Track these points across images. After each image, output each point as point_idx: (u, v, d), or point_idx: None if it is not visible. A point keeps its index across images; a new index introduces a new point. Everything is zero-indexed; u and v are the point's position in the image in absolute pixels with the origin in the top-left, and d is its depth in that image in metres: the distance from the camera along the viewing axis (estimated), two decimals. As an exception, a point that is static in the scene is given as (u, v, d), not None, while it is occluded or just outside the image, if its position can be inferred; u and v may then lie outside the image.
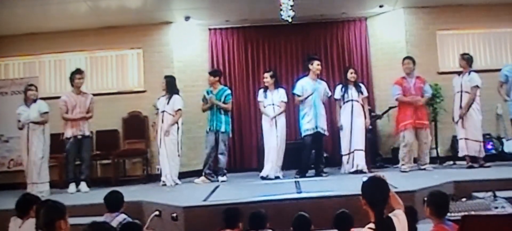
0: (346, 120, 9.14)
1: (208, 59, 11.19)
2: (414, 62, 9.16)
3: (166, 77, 9.33)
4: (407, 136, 8.93)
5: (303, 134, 9.19)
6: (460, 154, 9.05)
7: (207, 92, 9.46)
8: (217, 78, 9.57)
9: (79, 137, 8.89)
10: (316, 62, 9.25)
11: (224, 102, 9.36)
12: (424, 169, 8.84)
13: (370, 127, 9.64)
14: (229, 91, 9.59)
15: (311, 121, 9.09)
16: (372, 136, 10.09)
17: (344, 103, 9.21)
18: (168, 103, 9.07)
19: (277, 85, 9.37)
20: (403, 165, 8.94)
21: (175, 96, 9.15)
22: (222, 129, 9.27)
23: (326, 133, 9.35)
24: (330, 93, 9.48)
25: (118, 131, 10.47)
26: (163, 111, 9.06)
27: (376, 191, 3.55)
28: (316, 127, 9.11)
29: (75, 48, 10.72)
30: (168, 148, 8.96)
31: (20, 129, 8.61)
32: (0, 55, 10.74)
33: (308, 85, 9.16)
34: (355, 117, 9.08)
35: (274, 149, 9.09)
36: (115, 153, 10.08)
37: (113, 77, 10.95)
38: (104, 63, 10.96)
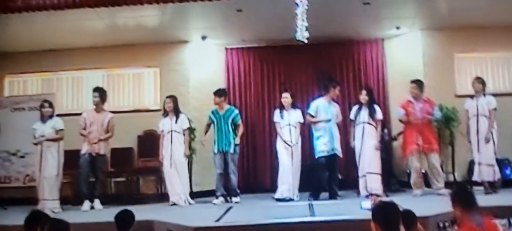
0: (357, 143, 9.05)
1: (224, 78, 11.21)
2: (420, 86, 9.05)
3: (172, 97, 9.26)
4: (414, 161, 8.87)
5: (317, 155, 9.11)
6: (474, 179, 8.88)
7: (213, 113, 9.39)
8: (222, 98, 9.44)
9: (94, 154, 8.92)
10: (338, 88, 9.27)
11: (234, 123, 9.30)
12: (439, 194, 8.67)
13: (378, 150, 9.41)
14: (237, 111, 9.53)
15: (327, 142, 9.02)
16: (387, 159, 9.97)
17: (356, 125, 9.12)
18: (176, 122, 9.05)
19: (293, 105, 9.32)
20: (414, 190, 8.85)
21: (182, 115, 9.15)
22: (231, 150, 9.19)
23: (340, 155, 9.26)
24: (340, 118, 9.41)
25: (133, 148, 10.48)
26: (170, 131, 9.03)
27: (388, 215, 3.49)
28: (333, 149, 9.04)
29: (93, 66, 10.82)
30: (180, 168, 8.93)
31: (35, 144, 8.68)
32: (19, 71, 10.88)
33: (323, 107, 9.11)
34: (366, 140, 8.96)
35: (290, 171, 9.02)
36: (129, 170, 10.11)
37: (130, 95, 11.02)
38: (121, 81, 11.04)
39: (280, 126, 9.21)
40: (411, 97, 9.06)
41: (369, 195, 8.61)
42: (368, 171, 8.90)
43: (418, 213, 6.23)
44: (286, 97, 9.26)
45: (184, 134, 9.14)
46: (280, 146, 9.20)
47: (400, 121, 9.18)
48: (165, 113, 9.17)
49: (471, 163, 9.64)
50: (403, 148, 9.21)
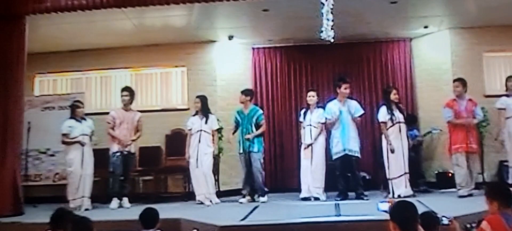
0: (396, 142, 8.87)
1: (251, 77, 11.27)
2: (464, 84, 8.89)
3: (200, 97, 9.28)
4: (460, 160, 8.63)
5: (333, 157, 9.07)
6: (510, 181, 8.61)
7: (238, 113, 9.39)
8: (249, 97, 9.43)
9: (125, 152, 9.03)
10: (344, 86, 9.12)
11: (257, 123, 9.27)
12: (471, 195, 8.50)
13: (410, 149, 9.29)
14: (261, 111, 9.50)
15: (339, 143, 8.95)
16: (416, 159, 9.88)
17: (392, 125, 8.94)
18: (206, 122, 9.09)
19: (318, 105, 9.31)
20: (460, 189, 8.61)
21: (211, 116, 9.17)
22: (255, 149, 9.15)
23: (357, 155, 9.09)
24: (361, 112, 9.23)
25: (161, 147, 10.57)
26: (199, 131, 9.08)
27: (405, 215, 3.50)
28: (344, 150, 8.96)
29: (121, 65, 10.95)
30: (206, 167, 8.97)
31: (65, 143, 8.82)
32: (48, 71, 11.06)
33: (336, 107, 9.04)
34: (403, 139, 8.86)
35: (308, 170, 9.02)
36: (157, 169, 10.20)
37: (158, 94, 11.12)
38: (148, 80, 11.15)
39: (303, 125, 9.21)
40: (455, 96, 8.92)
41: (386, 196, 8.57)
42: (406, 171, 8.79)
43: (443, 213, 6.21)
44: (312, 96, 9.23)
45: (213, 134, 9.18)
46: (302, 146, 9.22)
47: (449, 122, 8.98)
48: (195, 112, 9.22)
49: (501, 164, 9.56)
50: (449, 146, 9.02)
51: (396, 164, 8.81)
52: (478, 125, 9.35)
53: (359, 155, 9.10)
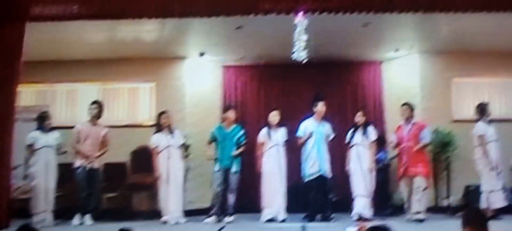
0: (352, 164, 8.97)
1: (220, 96, 11.16)
2: (412, 109, 8.96)
3: (164, 112, 9.16)
4: (403, 186, 8.79)
5: (306, 178, 8.99)
6: (488, 206, 8.57)
7: (218, 129, 9.29)
8: (230, 114, 9.38)
9: (88, 168, 8.81)
10: (320, 104, 9.11)
11: (238, 144, 9.18)
12: (417, 220, 8.47)
13: (371, 173, 9.27)
14: (243, 131, 9.40)
15: (315, 164, 8.91)
16: (383, 181, 9.88)
17: (350, 147, 9.04)
18: (172, 137, 8.95)
19: (280, 123, 9.23)
20: (407, 214, 8.74)
21: (177, 131, 9.07)
22: (233, 169, 9.08)
23: (330, 176, 9.08)
24: (333, 135, 9.25)
25: (126, 163, 10.37)
26: (167, 147, 8.91)
27: None
28: (320, 170, 8.91)
29: (88, 79, 10.73)
30: (176, 184, 8.81)
31: (28, 156, 8.56)
32: (12, 81, 10.74)
33: (311, 126, 9.01)
34: (360, 161, 8.88)
35: (278, 191, 8.94)
36: (122, 186, 10.01)
37: (125, 110, 10.93)
38: (116, 95, 10.97)
39: (267, 145, 9.10)
40: (403, 121, 8.96)
41: (358, 220, 8.50)
42: (359, 194, 8.81)
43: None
44: (275, 116, 9.18)
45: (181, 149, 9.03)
46: (267, 166, 9.10)
47: (392, 147, 9.07)
48: (158, 129, 9.05)
49: (467, 189, 9.64)
50: (397, 171, 9.13)
51: (354, 185, 8.89)
52: (442, 149, 9.45)
53: (330, 176, 9.09)
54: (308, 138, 8.92)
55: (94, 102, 9.19)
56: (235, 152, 9.11)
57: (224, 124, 9.33)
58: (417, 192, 8.57)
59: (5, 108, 8.11)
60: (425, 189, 8.68)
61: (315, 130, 8.97)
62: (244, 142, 9.28)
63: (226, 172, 9.08)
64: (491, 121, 8.91)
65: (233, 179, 9.09)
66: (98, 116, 9.05)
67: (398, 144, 8.90)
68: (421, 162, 8.72)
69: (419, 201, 8.57)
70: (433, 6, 6.75)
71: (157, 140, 8.99)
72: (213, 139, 9.25)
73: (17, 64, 7.94)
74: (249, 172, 10.82)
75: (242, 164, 9.36)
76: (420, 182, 8.63)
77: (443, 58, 10.48)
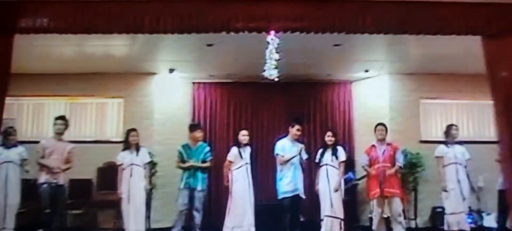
0: (321, 185, 8.92)
1: (189, 112, 11.08)
2: (387, 129, 8.99)
3: (132, 130, 9.03)
4: (375, 205, 8.74)
5: (281, 196, 8.93)
6: (451, 228, 8.71)
7: (183, 147, 9.17)
8: (197, 133, 9.31)
9: (53, 184, 8.60)
10: (296, 127, 9.07)
11: (203, 161, 9.10)
12: None
13: (339, 193, 9.27)
14: (208, 148, 9.33)
15: (290, 183, 8.86)
16: (351, 202, 9.88)
17: (320, 167, 9.00)
18: (137, 155, 8.81)
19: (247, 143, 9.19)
20: None
21: (143, 149, 8.92)
22: (199, 187, 8.96)
23: (303, 196, 9.07)
24: (306, 156, 9.24)
25: (92, 180, 10.21)
26: (131, 165, 8.77)
27: None
28: (296, 189, 8.88)
29: (56, 93, 10.55)
30: (137, 203, 8.66)
31: None
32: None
33: (287, 146, 8.98)
34: (329, 182, 8.86)
35: (249, 210, 8.87)
36: (87, 203, 9.83)
37: (92, 125, 10.79)
38: (84, 110, 10.84)
39: (238, 164, 9.04)
40: (376, 141, 8.96)
41: None
42: (327, 214, 8.77)
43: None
44: (245, 135, 9.13)
45: (144, 168, 8.89)
46: (238, 185, 9.01)
47: (364, 168, 9.03)
48: (126, 147, 8.91)
49: (434, 210, 9.69)
50: (366, 192, 9.11)
51: (323, 206, 8.85)
52: (410, 170, 9.50)
53: (304, 196, 9.05)
54: (292, 158, 8.87)
55: (60, 117, 8.98)
56: (197, 164, 8.97)
57: (189, 142, 9.22)
58: (398, 215, 8.58)
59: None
60: (402, 211, 8.71)
61: (291, 150, 8.94)
62: (210, 159, 9.18)
63: (191, 190, 8.95)
64: (460, 142, 8.96)
65: (199, 197, 8.96)
66: (63, 131, 8.85)
67: (370, 164, 8.85)
68: (396, 184, 8.73)
69: (400, 223, 8.61)
70: (402, 28, 6.78)
71: (122, 157, 8.85)
72: (181, 157, 9.13)
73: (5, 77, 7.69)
74: (217, 190, 10.79)
75: (208, 182, 9.27)
76: (398, 204, 8.64)
77: (412, 80, 10.61)
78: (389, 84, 10.68)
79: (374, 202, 8.74)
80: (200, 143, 9.25)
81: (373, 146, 8.88)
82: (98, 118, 10.85)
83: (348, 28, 6.64)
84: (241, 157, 9.03)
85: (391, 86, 10.68)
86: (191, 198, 8.91)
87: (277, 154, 9.00)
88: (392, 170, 8.61)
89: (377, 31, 6.71)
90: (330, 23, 6.57)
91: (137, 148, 8.86)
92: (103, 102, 10.87)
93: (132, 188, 8.67)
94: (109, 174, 9.89)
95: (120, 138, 10.19)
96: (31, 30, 6.71)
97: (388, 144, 8.83)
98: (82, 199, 9.90)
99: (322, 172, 8.93)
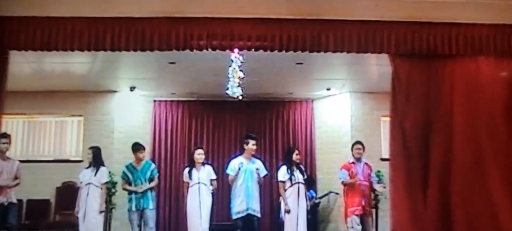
0: (293, 203, 8.82)
1: (150, 131, 10.98)
2: (364, 147, 9.07)
3: (93, 148, 8.85)
4: (355, 222, 8.73)
5: (234, 217, 8.81)
6: None
7: (128, 168, 8.91)
8: (141, 153, 9.02)
9: (6, 203, 8.36)
10: (251, 142, 8.99)
11: (150, 179, 8.92)
12: None
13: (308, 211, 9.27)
14: (154, 165, 9.16)
15: (243, 202, 8.73)
16: (312, 221, 9.88)
17: (291, 185, 8.89)
18: (95, 175, 8.64)
19: (204, 162, 9.07)
20: None
21: (102, 168, 8.72)
22: (150, 206, 8.76)
23: (259, 215, 8.98)
24: (265, 173, 9.13)
25: (50, 200, 9.98)
26: (88, 184, 8.60)
27: None
28: (248, 209, 8.78)
29: (13, 111, 10.28)
30: (92, 224, 8.47)
31: None
32: None
33: (240, 165, 8.86)
34: (301, 200, 8.81)
35: (201, 229, 8.72)
36: (45, 223, 9.60)
37: (51, 144, 10.58)
38: (42, 128, 10.64)
39: (189, 184, 8.85)
40: (354, 159, 8.98)
41: None
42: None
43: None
44: (200, 154, 8.99)
45: (101, 188, 8.72)
46: (191, 205, 8.85)
47: (343, 183, 9.02)
48: (89, 164, 8.75)
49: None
50: (345, 209, 9.05)
51: (291, 225, 8.74)
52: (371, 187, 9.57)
53: (259, 215, 8.93)
54: (236, 175, 8.77)
55: (3, 135, 8.66)
56: (144, 186, 8.76)
57: (134, 162, 9.03)
58: None
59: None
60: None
61: (244, 167, 8.85)
62: (156, 175, 9.03)
63: (142, 210, 8.78)
64: None
65: (150, 216, 8.79)
66: (7, 149, 8.56)
67: (350, 182, 8.83)
68: (370, 202, 8.84)
69: None
70: (364, 47, 6.87)
71: (82, 176, 8.68)
72: (126, 179, 8.93)
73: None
74: (177, 209, 10.65)
75: (157, 200, 9.11)
76: (370, 223, 8.71)
77: (373, 98, 10.70)
78: (350, 102, 10.77)
79: (353, 219, 8.70)
80: (145, 161, 9.06)
81: (352, 162, 8.88)
82: (57, 136, 10.65)
83: (309, 47, 6.69)
84: (191, 177, 8.86)
85: (353, 104, 10.77)
86: (142, 219, 8.76)
87: (227, 174, 8.91)
88: (380, 187, 8.82)
89: (338, 50, 6.79)
90: (292, 42, 6.62)
91: (97, 167, 8.69)
92: (62, 120, 10.69)
93: (88, 207, 8.46)
94: (68, 193, 9.70)
95: (80, 157, 10.08)
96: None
97: (365, 163, 8.87)
98: (40, 220, 9.65)
99: (293, 190, 8.81)
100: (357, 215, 8.63)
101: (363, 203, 8.61)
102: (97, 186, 8.55)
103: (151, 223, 8.70)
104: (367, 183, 8.74)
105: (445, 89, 6.84)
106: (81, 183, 8.64)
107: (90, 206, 8.47)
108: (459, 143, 6.64)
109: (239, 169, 8.72)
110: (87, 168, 8.73)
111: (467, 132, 6.67)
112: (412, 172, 6.74)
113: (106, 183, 8.77)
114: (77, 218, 8.54)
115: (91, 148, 8.83)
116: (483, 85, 6.80)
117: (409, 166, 6.77)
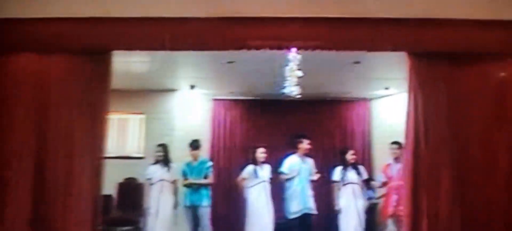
0: (348, 203, 8.82)
1: (209, 129, 11.13)
2: (402, 147, 8.92)
3: (162, 145, 9.09)
4: (389, 225, 8.67)
5: (290, 216, 8.87)
6: None
7: (187, 165, 9.17)
8: (198, 150, 9.27)
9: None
10: (306, 141, 9.05)
11: (205, 176, 9.08)
12: None
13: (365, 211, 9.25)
14: (210, 163, 9.33)
15: (299, 204, 8.80)
16: (370, 220, 9.83)
17: (343, 185, 8.91)
18: (168, 171, 8.84)
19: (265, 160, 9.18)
20: None
21: (173, 165, 8.95)
22: (203, 204, 8.94)
23: (315, 212, 9.00)
24: (316, 171, 9.20)
25: (112, 196, 10.26)
26: (161, 180, 8.79)
27: None
28: (304, 208, 8.81)
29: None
30: (165, 220, 8.67)
31: None
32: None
33: (296, 164, 8.92)
34: (357, 200, 8.80)
35: (268, 227, 8.82)
36: (106, 219, 9.84)
37: (113, 141, 10.81)
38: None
39: (252, 182, 9.01)
40: (392, 159, 8.90)
41: None
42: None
43: None
44: (262, 153, 9.09)
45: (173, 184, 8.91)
46: (257, 204, 8.97)
47: (378, 186, 8.97)
48: (155, 161, 8.96)
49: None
50: (382, 210, 9.03)
51: (348, 225, 8.74)
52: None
53: (315, 212, 8.98)
54: (294, 177, 8.83)
55: None
56: (198, 181, 8.95)
57: (191, 160, 9.21)
58: None
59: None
60: None
61: (299, 167, 8.89)
62: (211, 173, 9.17)
63: (195, 207, 8.92)
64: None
65: (204, 213, 8.93)
66: None
67: (385, 183, 8.81)
68: None
69: None
70: (419, 46, 6.78)
71: (152, 172, 8.89)
72: (184, 175, 9.12)
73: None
74: (235, 208, 10.74)
75: (214, 198, 9.24)
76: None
77: (432, 98, 10.49)
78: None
79: (388, 221, 8.66)
80: (201, 159, 9.25)
81: (389, 164, 8.83)
82: (119, 133, 10.89)
83: (367, 46, 6.65)
84: (257, 175, 8.98)
85: (411, 103, 10.60)
86: (196, 216, 8.89)
87: (281, 172, 8.95)
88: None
89: (397, 48, 6.73)
90: (350, 41, 6.59)
91: (167, 164, 8.88)
92: (124, 118, 10.94)
93: (162, 204, 8.73)
94: (130, 190, 9.96)
95: (141, 154, 10.30)
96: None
97: None
98: (103, 215, 9.90)
99: (347, 190, 8.83)
100: (391, 216, 8.56)
101: (397, 204, 8.50)
102: (169, 182, 8.75)
103: (205, 219, 8.87)
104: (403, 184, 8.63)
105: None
106: (149, 179, 8.85)
107: (163, 202, 8.68)
108: (475, 144, 6.40)
109: (295, 169, 8.80)
110: (154, 164, 8.93)
111: (483, 134, 6.41)
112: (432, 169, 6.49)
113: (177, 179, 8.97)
114: (147, 215, 8.74)
115: (160, 145, 9.07)
116: (506, 87, 6.52)
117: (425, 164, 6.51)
